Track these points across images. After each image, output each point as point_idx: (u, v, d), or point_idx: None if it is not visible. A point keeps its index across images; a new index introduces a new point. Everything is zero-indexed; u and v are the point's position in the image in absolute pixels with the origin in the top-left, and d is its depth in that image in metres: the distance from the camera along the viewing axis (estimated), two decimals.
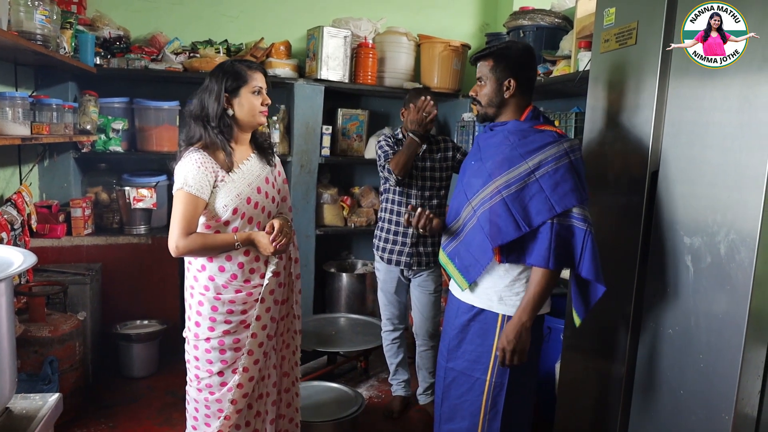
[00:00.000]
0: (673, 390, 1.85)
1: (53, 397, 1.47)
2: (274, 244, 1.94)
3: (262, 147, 2.13)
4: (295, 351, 2.25)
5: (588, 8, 2.77)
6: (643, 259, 1.97)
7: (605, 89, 2.16)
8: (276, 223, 1.97)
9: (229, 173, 1.97)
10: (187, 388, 2.09)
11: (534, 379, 2.11)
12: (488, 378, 1.97)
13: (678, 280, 1.83)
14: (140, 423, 2.88)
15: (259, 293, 2.02)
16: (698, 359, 1.76)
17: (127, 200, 3.44)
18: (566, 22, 3.39)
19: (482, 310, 1.99)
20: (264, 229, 2.00)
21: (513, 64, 1.95)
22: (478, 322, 2.01)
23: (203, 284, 2.00)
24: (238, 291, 2.00)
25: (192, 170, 1.91)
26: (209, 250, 1.95)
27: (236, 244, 1.94)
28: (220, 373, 2.01)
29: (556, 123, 2.88)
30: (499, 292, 1.96)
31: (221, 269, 1.99)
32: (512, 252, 1.89)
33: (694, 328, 1.77)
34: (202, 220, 1.97)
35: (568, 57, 3.06)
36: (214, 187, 1.94)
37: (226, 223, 1.97)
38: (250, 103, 1.98)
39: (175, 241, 1.91)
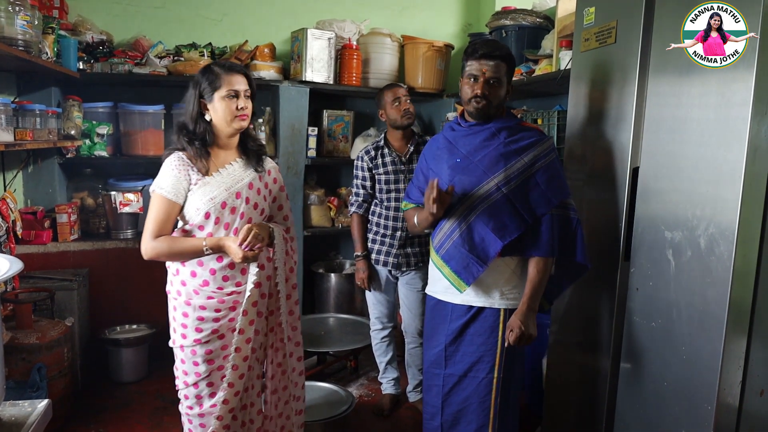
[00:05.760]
0: (657, 381, 1.89)
1: (42, 404, 1.47)
2: (243, 247, 1.84)
3: (250, 152, 2.04)
4: (296, 361, 2.16)
5: (568, 8, 2.80)
6: (626, 253, 2.00)
7: (586, 87, 2.19)
8: (245, 228, 1.86)
9: (206, 176, 1.92)
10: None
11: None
12: (496, 375, 1.98)
13: (660, 274, 1.86)
14: (131, 428, 2.87)
15: (238, 302, 1.95)
16: (681, 351, 1.79)
17: (114, 205, 3.42)
18: (548, 21, 3.43)
19: (482, 309, 2.00)
20: None
21: (513, 71, 2.06)
22: (478, 322, 2.01)
23: (176, 289, 1.98)
24: (210, 297, 1.93)
25: (166, 173, 1.90)
26: (177, 255, 1.90)
27: (205, 249, 1.87)
28: (195, 385, 1.96)
29: (539, 122, 2.92)
30: (500, 288, 2.00)
31: (193, 274, 1.94)
32: (510, 246, 1.93)
33: (676, 321, 1.81)
34: (179, 224, 1.95)
35: (550, 56, 3.10)
36: (188, 191, 1.91)
37: (201, 227, 1.92)
38: (224, 108, 1.90)
39: (144, 243, 1.89)
